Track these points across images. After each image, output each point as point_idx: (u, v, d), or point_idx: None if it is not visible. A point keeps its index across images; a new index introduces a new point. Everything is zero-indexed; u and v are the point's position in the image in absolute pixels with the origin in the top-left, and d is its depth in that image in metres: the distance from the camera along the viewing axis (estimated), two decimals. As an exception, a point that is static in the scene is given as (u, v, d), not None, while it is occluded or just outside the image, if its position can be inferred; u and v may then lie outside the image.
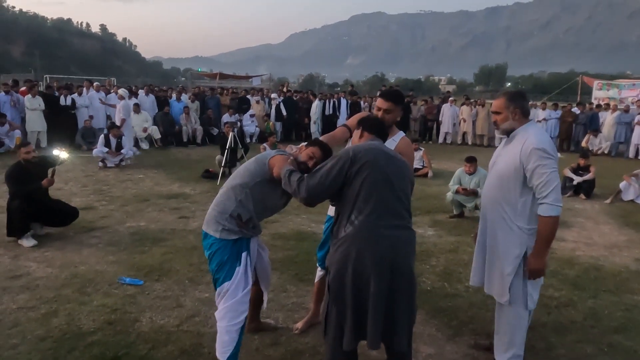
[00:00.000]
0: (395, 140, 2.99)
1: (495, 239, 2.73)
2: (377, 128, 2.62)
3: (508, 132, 2.72)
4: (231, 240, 2.70)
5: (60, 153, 5.09)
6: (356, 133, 2.66)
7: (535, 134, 2.60)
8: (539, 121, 15.37)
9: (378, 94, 5.92)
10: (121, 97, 11.22)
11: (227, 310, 2.67)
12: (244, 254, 2.73)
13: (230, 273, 2.69)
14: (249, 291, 2.76)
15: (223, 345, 2.67)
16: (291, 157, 2.64)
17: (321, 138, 2.95)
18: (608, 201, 7.79)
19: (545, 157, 2.50)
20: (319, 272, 3.30)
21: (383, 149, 2.48)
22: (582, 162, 8.36)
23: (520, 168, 2.57)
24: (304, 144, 2.78)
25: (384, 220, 2.30)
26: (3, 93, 11.91)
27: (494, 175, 2.77)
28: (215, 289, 2.76)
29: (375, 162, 2.33)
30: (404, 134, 3.08)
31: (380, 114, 2.91)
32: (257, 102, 15.50)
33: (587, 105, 16.05)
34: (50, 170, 5.09)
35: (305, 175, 2.45)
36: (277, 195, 2.73)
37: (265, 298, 3.14)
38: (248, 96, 16.10)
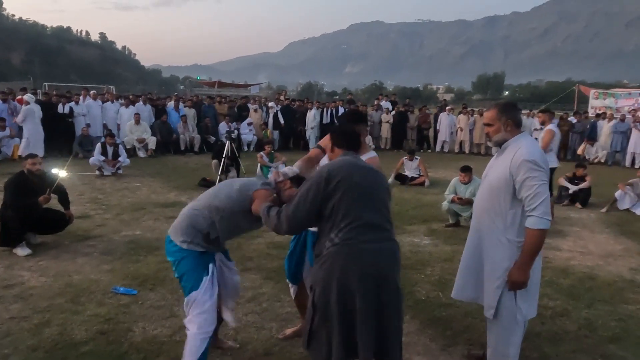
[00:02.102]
0: (365, 157, 2.86)
1: (484, 250, 2.73)
2: (346, 141, 2.58)
3: (500, 144, 2.72)
4: (197, 251, 2.72)
5: (60, 172, 5.08)
6: (328, 149, 2.67)
7: (527, 145, 2.60)
8: (537, 130, 15.41)
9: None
10: (26, 103, 10.90)
11: (197, 318, 2.69)
12: (210, 265, 2.76)
13: (197, 282, 2.69)
14: (215, 301, 2.77)
15: (192, 351, 2.67)
16: (274, 195, 2.65)
17: (298, 162, 2.95)
18: (604, 210, 7.80)
19: (535, 169, 2.50)
20: (291, 288, 3.30)
21: (357, 163, 2.46)
22: (579, 172, 8.38)
23: (510, 180, 2.57)
24: (287, 171, 2.70)
25: (365, 235, 2.28)
26: (1, 101, 11.95)
27: (485, 186, 2.78)
28: (185, 296, 2.76)
29: (350, 178, 2.32)
30: (375, 155, 3.00)
31: None
32: (255, 110, 15.53)
33: (583, 114, 16.11)
34: (48, 189, 5.05)
35: (284, 205, 2.43)
36: (250, 223, 2.78)
37: (229, 318, 3.05)
38: (248, 104, 16.14)
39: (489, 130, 2.75)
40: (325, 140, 3.04)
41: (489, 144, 3.16)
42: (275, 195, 2.66)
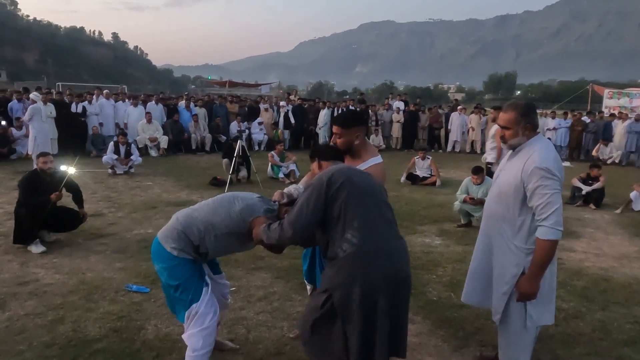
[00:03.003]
0: (364, 167, 2.82)
1: (493, 255, 2.68)
2: (330, 154, 2.61)
3: (515, 147, 2.62)
4: (189, 258, 2.62)
5: (69, 168, 5.13)
6: (314, 166, 2.66)
7: (541, 150, 2.49)
8: (550, 130, 15.31)
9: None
10: (32, 101, 10.95)
11: (199, 335, 2.58)
12: (206, 276, 2.70)
13: (197, 294, 2.58)
14: (217, 320, 2.68)
15: None
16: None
17: (302, 181, 2.98)
18: (618, 211, 7.70)
19: (548, 177, 2.39)
20: (308, 287, 3.30)
21: (350, 167, 2.50)
22: (593, 172, 8.27)
23: (520, 186, 2.48)
24: (292, 190, 2.66)
25: (379, 234, 2.29)
26: (15, 100, 12.11)
27: (495, 190, 2.71)
28: (169, 306, 2.70)
29: (350, 179, 2.31)
30: (379, 162, 2.90)
31: (333, 137, 2.93)
32: (266, 110, 15.57)
33: (597, 114, 15.93)
34: (60, 186, 5.12)
35: (285, 216, 2.40)
36: (242, 246, 2.73)
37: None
38: (260, 104, 16.18)
39: (505, 133, 2.62)
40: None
41: (503, 146, 3.05)
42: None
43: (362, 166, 2.82)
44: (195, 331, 2.59)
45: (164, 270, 2.62)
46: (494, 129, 7.02)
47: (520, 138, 2.58)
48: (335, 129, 2.89)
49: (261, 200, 2.67)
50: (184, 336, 2.66)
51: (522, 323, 2.60)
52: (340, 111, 15.47)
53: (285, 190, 2.68)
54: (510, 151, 2.70)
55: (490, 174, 7.20)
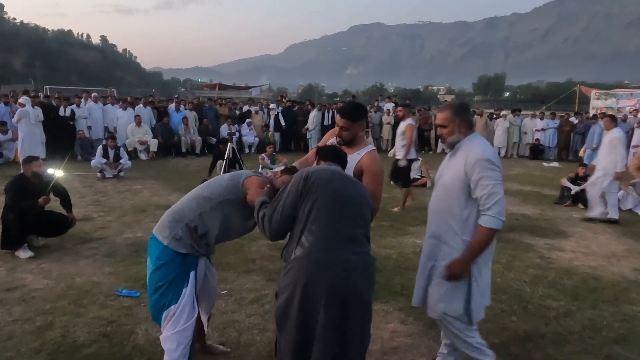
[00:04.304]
0: (360, 154, 2.84)
1: (439, 252, 2.67)
2: (332, 156, 2.57)
3: (454, 145, 2.70)
4: (180, 254, 2.54)
5: (56, 172, 5.08)
6: (315, 164, 2.65)
7: (479, 145, 2.60)
8: (538, 130, 15.46)
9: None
10: (21, 105, 10.75)
11: (175, 337, 2.55)
12: (191, 273, 2.59)
13: (176, 295, 2.52)
14: (194, 322, 2.61)
15: None
16: (268, 185, 2.55)
17: (295, 163, 2.95)
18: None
19: (490, 168, 2.49)
20: None
21: (340, 172, 2.44)
22: (580, 171, 8.37)
23: (465, 179, 2.55)
24: (280, 168, 2.71)
25: (337, 243, 2.19)
26: (2, 104, 11.97)
27: (440, 189, 2.74)
28: (150, 301, 2.64)
29: (329, 182, 2.27)
30: (373, 149, 2.91)
31: (338, 130, 2.89)
32: (256, 112, 15.53)
33: (584, 114, 16.10)
34: (48, 190, 5.06)
35: (267, 207, 2.37)
36: (243, 216, 2.60)
37: (205, 325, 3.03)
38: (247, 107, 16.13)
39: (442, 131, 2.73)
40: (324, 142, 3.06)
41: (443, 145, 3.13)
42: (269, 185, 2.55)
43: (358, 154, 2.83)
44: (170, 334, 2.56)
45: (153, 265, 2.58)
46: (403, 125, 7.15)
47: (457, 135, 2.67)
48: (342, 122, 2.85)
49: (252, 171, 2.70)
50: (161, 337, 2.64)
51: (467, 320, 2.61)
52: (330, 113, 15.50)
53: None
54: (450, 150, 2.77)
55: (400, 170, 7.31)
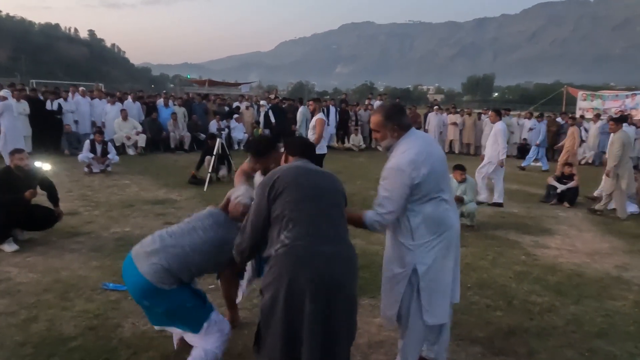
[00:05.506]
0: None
1: (385, 256, 2.74)
2: (299, 149, 2.61)
3: (388, 149, 2.69)
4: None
5: (43, 165, 5.02)
6: (283, 158, 2.69)
7: (402, 149, 2.57)
8: (530, 130, 15.56)
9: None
10: (3, 98, 10.49)
11: (220, 342, 2.72)
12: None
13: (208, 309, 2.75)
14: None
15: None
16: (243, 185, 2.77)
17: (237, 172, 3.18)
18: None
19: (392, 174, 2.53)
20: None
21: (306, 167, 2.46)
22: (566, 170, 8.48)
23: None
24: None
25: (317, 236, 2.21)
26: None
27: None
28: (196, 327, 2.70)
29: (295, 180, 2.31)
30: (321, 116, 3.06)
31: (374, 134, 2.91)
32: (247, 108, 15.48)
33: (569, 115, 16.28)
34: (35, 184, 5.00)
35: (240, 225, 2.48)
36: (235, 229, 2.71)
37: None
38: (239, 104, 16.06)
39: (375, 135, 2.74)
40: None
41: (379, 148, 3.17)
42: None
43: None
44: (216, 336, 2.71)
45: (167, 312, 2.65)
46: (314, 120, 7.12)
47: (390, 140, 2.66)
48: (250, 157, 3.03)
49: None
50: (199, 343, 2.70)
51: (420, 320, 2.61)
52: (321, 111, 15.47)
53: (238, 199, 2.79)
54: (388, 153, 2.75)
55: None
